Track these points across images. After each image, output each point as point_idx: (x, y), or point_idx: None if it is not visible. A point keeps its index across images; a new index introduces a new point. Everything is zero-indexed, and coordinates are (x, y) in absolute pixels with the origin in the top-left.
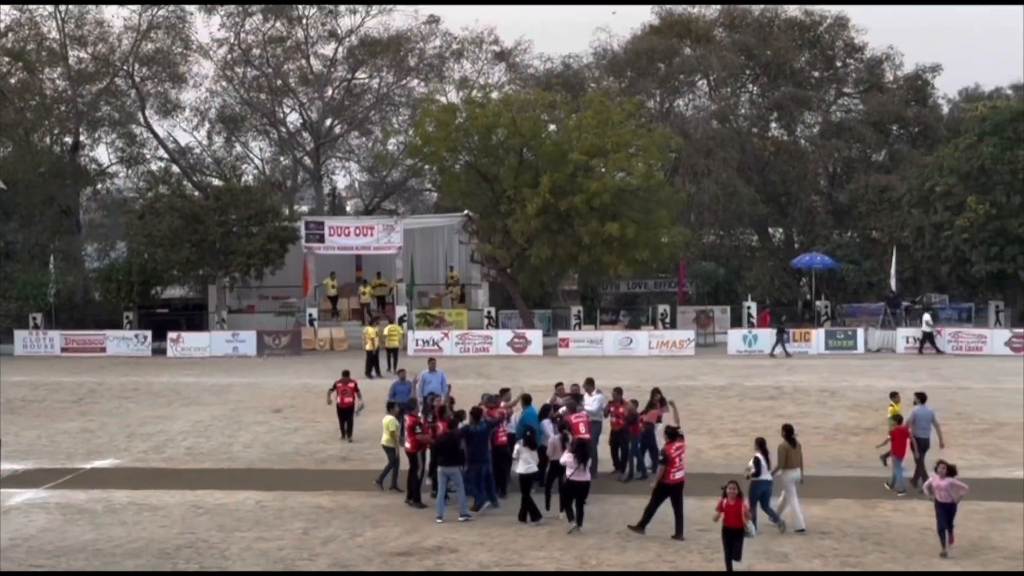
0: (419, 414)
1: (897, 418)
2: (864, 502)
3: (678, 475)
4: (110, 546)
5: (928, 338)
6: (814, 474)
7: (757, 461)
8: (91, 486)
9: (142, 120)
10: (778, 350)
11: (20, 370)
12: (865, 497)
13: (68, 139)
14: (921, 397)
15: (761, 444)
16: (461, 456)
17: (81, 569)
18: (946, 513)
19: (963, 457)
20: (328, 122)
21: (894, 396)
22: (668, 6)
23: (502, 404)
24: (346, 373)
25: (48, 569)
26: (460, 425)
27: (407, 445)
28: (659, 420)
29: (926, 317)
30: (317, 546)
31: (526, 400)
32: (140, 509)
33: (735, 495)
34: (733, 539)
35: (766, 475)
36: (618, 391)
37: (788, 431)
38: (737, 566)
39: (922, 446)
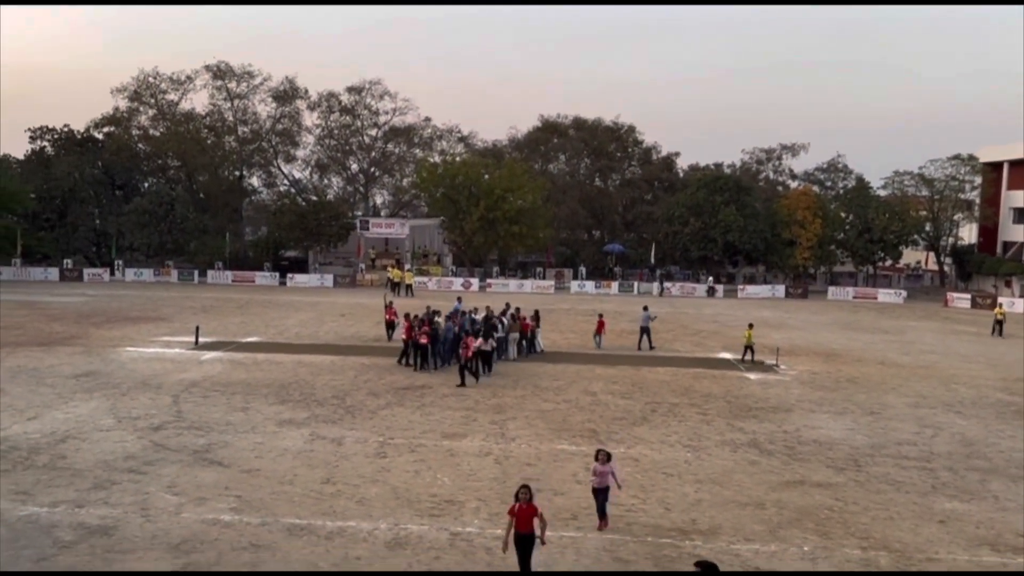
0: (417, 319)
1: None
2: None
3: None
4: (254, 382)
5: (661, 282)
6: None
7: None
8: (245, 351)
9: (275, 164)
10: (657, 288)
11: (210, 290)
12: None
13: (236, 172)
14: (644, 307)
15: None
16: (437, 339)
17: (236, 391)
18: (603, 496)
19: (681, 346)
20: (371, 169)
21: (751, 325)
22: (546, 115)
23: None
24: (390, 303)
25: (221, 394)
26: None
27: (403, 335)
28: (537, 326)
29: (661, 277)
30: (361, 383)
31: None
32: (270, 363)
33: (527, 499)
34: (527, 545)
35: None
36: (518, 309)
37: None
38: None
39: (645, 332)
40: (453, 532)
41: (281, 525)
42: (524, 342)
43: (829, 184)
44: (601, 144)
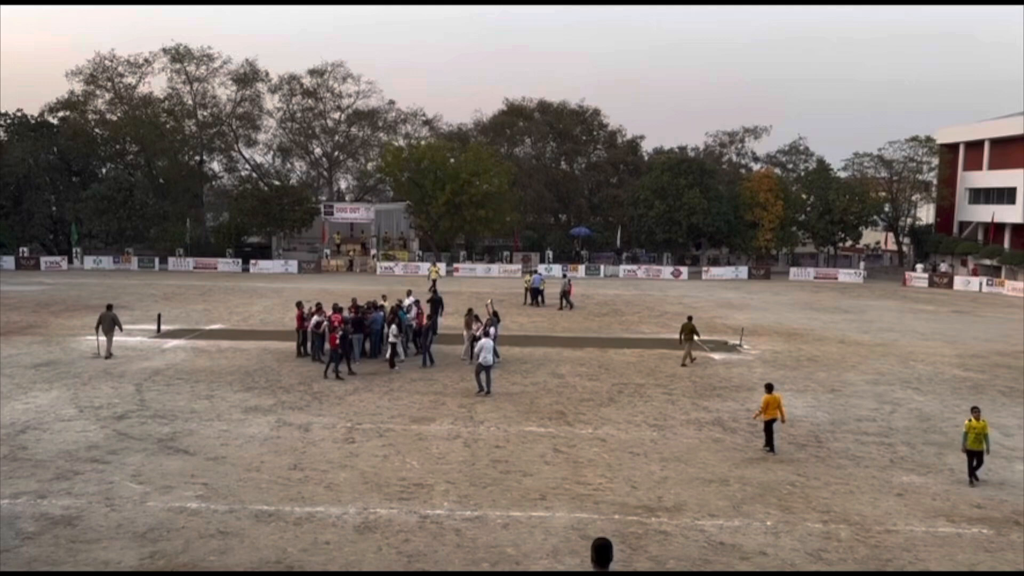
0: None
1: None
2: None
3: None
4: (218, 369)
5: (624, 261)
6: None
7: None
8: (209, 338)
9: (236, 148)
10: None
11: (171, 278)
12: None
13: (197, 157)
14: (564, 275)
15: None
16: (365, 329)
17: (201, 379)
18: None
19: (647, 328)
20: (335, 153)
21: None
22: (511, 98)
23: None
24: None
25: (185, 382)
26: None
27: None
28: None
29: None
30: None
31: (397, 305)
32: (235, 350)
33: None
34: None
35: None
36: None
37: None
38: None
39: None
40: (422, 515)
41: (249, 512)
42: (410, 341)
43: (791, 166)
44: (566, 127)
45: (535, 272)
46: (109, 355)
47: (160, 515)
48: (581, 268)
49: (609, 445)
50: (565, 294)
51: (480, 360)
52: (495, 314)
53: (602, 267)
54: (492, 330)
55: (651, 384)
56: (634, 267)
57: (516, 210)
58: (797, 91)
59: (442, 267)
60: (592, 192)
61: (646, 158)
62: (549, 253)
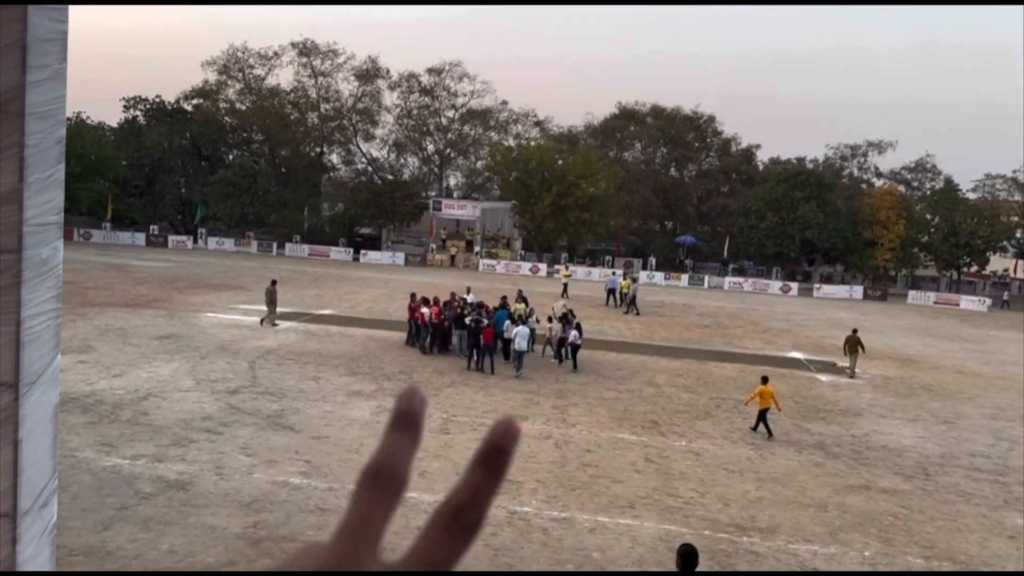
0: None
1: None
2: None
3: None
4: (326, 353)
5: (730, 273)
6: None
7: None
8: (319, 322)
9: (354, 142)
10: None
11: (287, 262)
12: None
13: (318, 149)
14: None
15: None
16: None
17: (309, 361)
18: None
19: (750, 343)
20: (447, 150)
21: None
22: (623, 102)
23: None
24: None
25: (295, 363)
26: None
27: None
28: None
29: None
30: (427, 361)
31: (502, 304)
32: (342, 336)
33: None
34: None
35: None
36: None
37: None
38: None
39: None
40: (511, 511)
41: (347, 491)
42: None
43: (916, 184)
44: (679, 133)
45: (614, 272)
46: (274, 324)
47: (264, 487)
48: (684, 277)
49: (703, 459)
50: (632, 299)
51: (515, 346)
52: (567, 316)
53: (706, 277)
54: (573, 332)
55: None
56: (740, 280)
57: (621, 215)
58: (927, 106)
59: (576, 269)
60: (701, 200)
61: (761, 168)
62: (652, 260)
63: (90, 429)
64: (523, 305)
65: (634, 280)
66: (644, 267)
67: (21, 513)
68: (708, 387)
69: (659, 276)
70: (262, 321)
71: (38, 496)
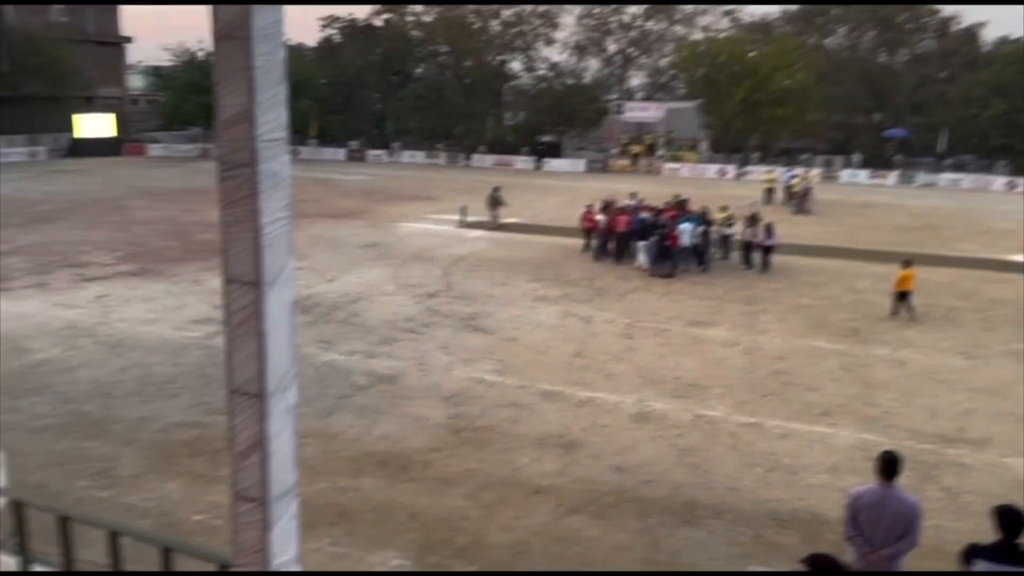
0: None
1: None
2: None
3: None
4: (512, 260)
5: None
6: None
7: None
8: (504, 231)
9: (535, 47)
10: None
11: (473, 173)
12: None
13: (500, 57)
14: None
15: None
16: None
17: (497, 268)
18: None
19: (966, 246)
20: (629, 49)
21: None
22: None
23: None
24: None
25: (484, 269)
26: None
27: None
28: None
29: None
30: (608, 267)
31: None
32: (527, 243)
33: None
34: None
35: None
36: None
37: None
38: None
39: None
40: (697, 414)
41: (537, 389)
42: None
43: None
44: (889, 14)
45: (789, 170)
46: (497, 226)
47: (462, 383)
48: (891, 175)
49: (908, 369)
50: (802, 195)
51: (682, 243)
52: (755, 216)
53: (918, 175)
54: (762, 233)
55: (966, 308)
56: (958, 176)
57: (821, 108)
58: None
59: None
60: (914, 89)
61: (986, 49)
62: (856, 157)
63: (310, 328)
64: (725, 213)
65: (795, 177)
66: (847, 164)
67: (268, 395)
68: (918, 293)
69: (862, 174)
70: (495, 223)
71: (280, 380)
